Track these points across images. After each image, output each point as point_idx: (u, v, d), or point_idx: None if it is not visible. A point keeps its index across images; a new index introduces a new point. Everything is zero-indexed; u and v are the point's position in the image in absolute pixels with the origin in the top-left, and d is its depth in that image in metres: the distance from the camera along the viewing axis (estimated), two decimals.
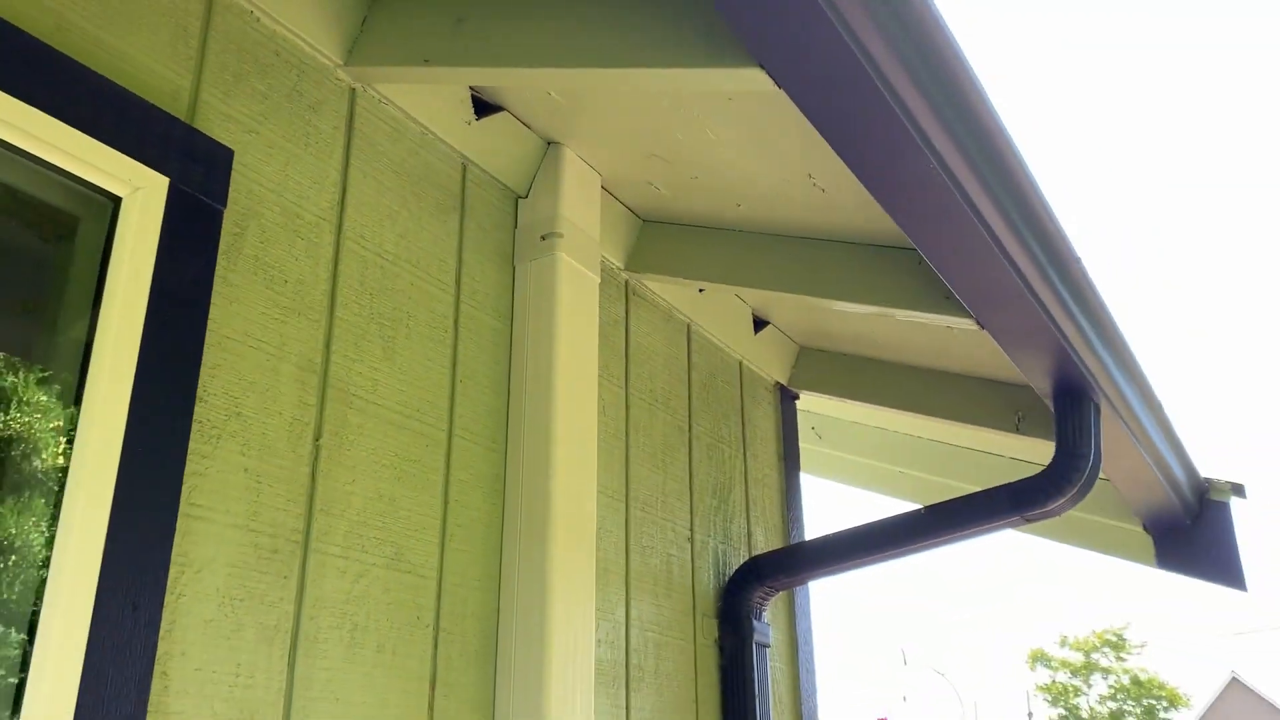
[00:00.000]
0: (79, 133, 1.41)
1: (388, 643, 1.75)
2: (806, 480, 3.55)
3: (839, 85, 1.41)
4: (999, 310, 2.11)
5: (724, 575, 2.77)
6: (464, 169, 2.19)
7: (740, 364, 3.12)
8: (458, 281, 2.11)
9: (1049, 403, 2.49)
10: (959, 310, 2.18)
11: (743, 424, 3.07)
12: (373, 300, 1.89)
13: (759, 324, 3.16)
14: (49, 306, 1.46)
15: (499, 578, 2.01)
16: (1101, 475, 2.64)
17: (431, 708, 1.80)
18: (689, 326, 2.89)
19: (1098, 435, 2.45)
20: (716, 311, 2.99)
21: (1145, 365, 2.54)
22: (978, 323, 2.18)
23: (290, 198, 1.76)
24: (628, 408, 2.55)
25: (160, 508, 1.41)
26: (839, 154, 1.61)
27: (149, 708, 1.36)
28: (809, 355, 3.34)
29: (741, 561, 2.84)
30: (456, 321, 2.08)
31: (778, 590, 2.78)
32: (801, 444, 3.48)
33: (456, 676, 1.87)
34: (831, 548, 2.72)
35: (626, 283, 2.65)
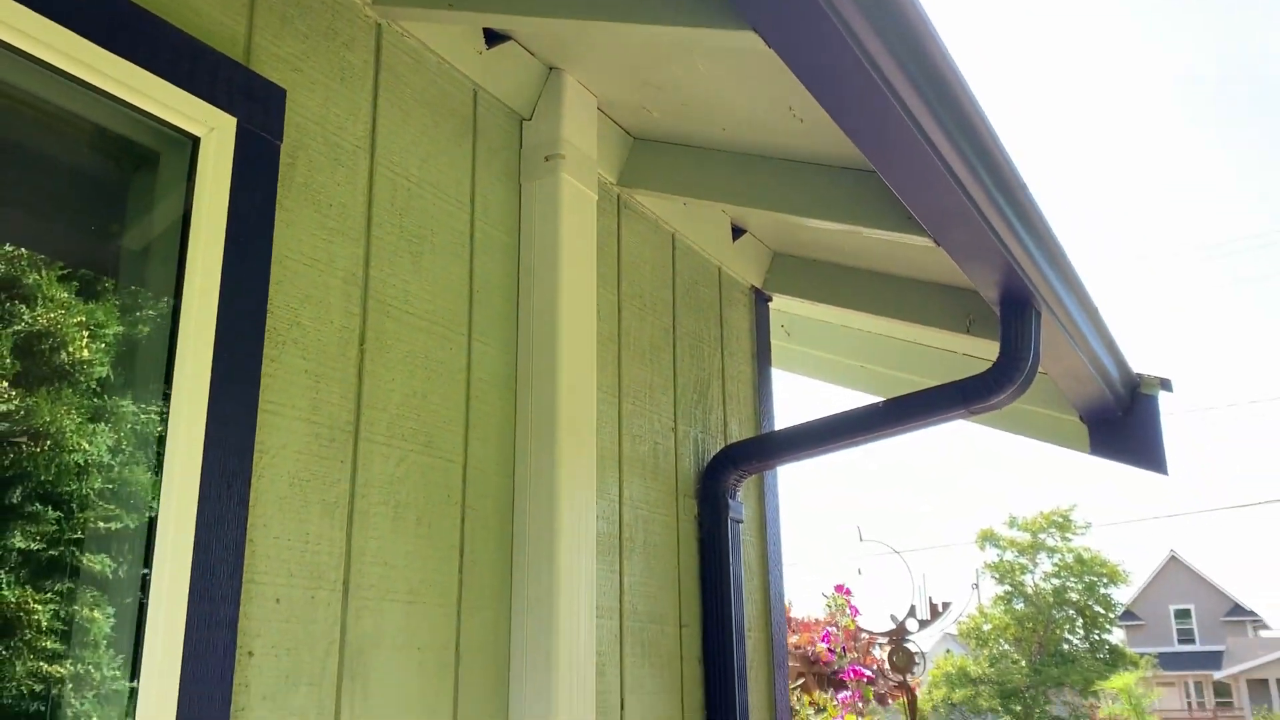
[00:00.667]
0: (164, 81, 1.62)
1: (425, 517, 2.05)
2: (776, 375, 3.86)
3: (819, 48, 1.64)
4: (952, 230, 2.38)
5: (703, 461, 3.10)
6: (475, 95, 2.40)
7: (719, 269, 3.39)
8: (472, 201, 2.34)
9: (996, 310, 2.79)
10: (918, 229, 2.45)
11: (721, 325, 3.36)
12: (402, 219, 2.13)
13: (736, 232, 3.41)
14: (142, 232, 1.69)
15: (514, 463, 2.31)
16: (1041, 371, 2.97)
17: (461, 571, 2.12)
18: (673, 236, 3.15)
19: (1038, 339, 2.76)
20: (698, 221, 3.24)
21: (1085, 278, 2.84)
22: (934, 240, 2.45)
23: (331, 129, 1.98)
24: (620, 312, 2.82)
25: (245, 404, 1.68)
26: (816, 99, 1.85)
27: (242, 574, 1.65)
28: (782, 260, 3.62)
29: (718, 449, 3.16)
30: (472, 237, 2.32)
31: (750, 474, 3.12)
32: (771, 341, 3.79)
33: (480, 547, 2.18)
34: (798, 436, 3.04)
35: (619, 196, 2.89)
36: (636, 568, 2.71)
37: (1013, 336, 2.74)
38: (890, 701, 6.02)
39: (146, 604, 1.50)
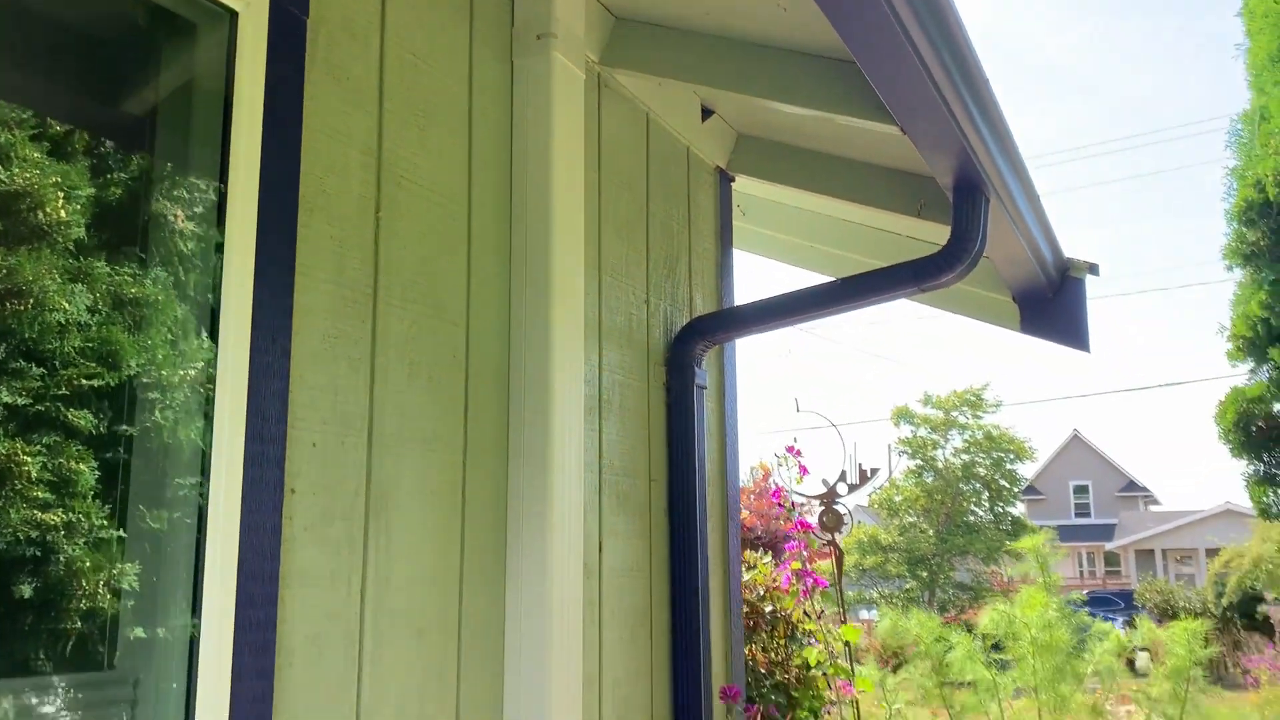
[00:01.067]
0: None
1: (434, 374, 2.23)
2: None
3: None
4: (919, 120, 2.56)
5: (672, 332, 3.31)
6: None
7: (688, 150, 3.53)
8: (470, 78, 2.45)
9: (949, 195, 3.00)
10: (888, 118, 2.62)
11: (689, 204, 3.52)
12: (409, 94, 2.23)
13: (705, 113, 3.55)
14: (184, 101, 1.79)
15: (509, 329, 2.49)
16: (985, 255, 3.22)
17: (466, 424, 2.31)
18: (648, 115, 3.27)
19: (985, 224, 2.99)
20: (670, 101, 3.36)
21: (1030, 169, 3.06)
22: (901, 129, 2.63)
23: (346, 5, 2.07)
24: (600, 189, 2.97)
25: (284, 266, 1.82)
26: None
27: (286, 419, 1.82)
28: (746, 142, 3.77)
29: (685, 321, 3.37)
30: (470, 113, 2.43)
31: (715, 344, 3.34)
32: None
33: (482, 403, 2.37)
34: (762, 311, 3.26)
35: (599, 75, 3.00)
36: (613, 428, 2.93)
37: (964, 220, 2.96)
38: (816, 559, 6.48)
39: (210, 450, 1.67)
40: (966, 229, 2.96)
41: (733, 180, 3.82)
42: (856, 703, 3.76)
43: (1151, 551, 44.43)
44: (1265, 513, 9.12)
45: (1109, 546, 46.38)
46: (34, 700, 1.56)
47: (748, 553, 6.18)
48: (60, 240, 1.61)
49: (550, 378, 2.45)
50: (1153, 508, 49.65)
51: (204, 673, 1.64)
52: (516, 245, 2.52)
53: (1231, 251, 9.20)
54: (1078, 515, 50.76)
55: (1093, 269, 4.10)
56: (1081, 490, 51.54)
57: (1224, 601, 20.27)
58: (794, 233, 4.56)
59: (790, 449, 3.77)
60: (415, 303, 2.19)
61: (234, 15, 1.78)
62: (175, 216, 1.74)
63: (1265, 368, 9.16)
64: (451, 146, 2.36)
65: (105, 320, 1.65)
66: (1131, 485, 50.98)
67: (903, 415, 33.09)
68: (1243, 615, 19.51)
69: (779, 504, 4.01)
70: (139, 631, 1.67)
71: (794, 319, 3.30)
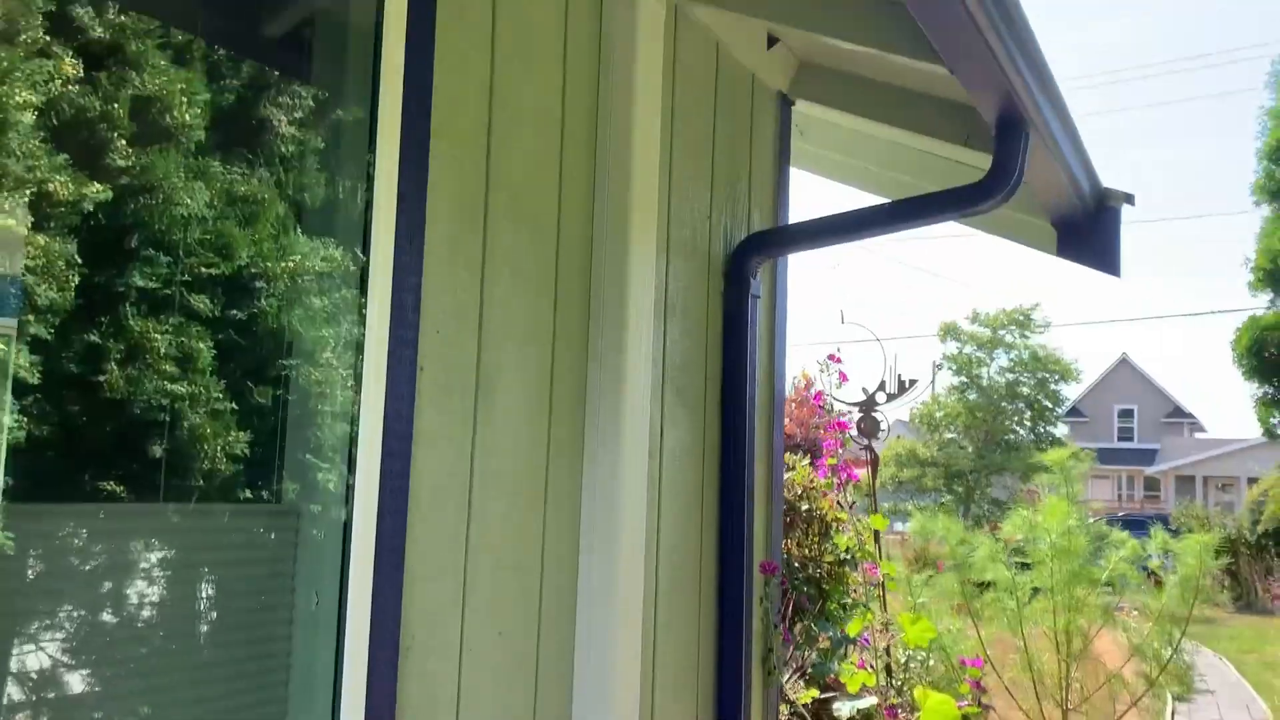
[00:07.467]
0: None
1: (531, 279, 2.61)
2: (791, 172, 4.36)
3: None
4: (965, 61, 2.84)
5: (730, 245, 3.65)
6: None
7: (753, 75, 3.82)
8: (565, 13, 2.76)
9: (991, 129, 3.28)
10: (937, 59, 2.90)
11: (751, 127, 3.83)
12: (516, 30, 2.56)
13: (771, 41, 3.82)
14: (343, 39, 2.15)
15: (592, 241, 2.85)
16: (1025, 183, 3.50)
17: (554, 322, 2.70)
18: (718, 44, 3.56)
19: (1025, 157, 3.27)
20: (739, 31, 3.64)
21: (1070, 105, 3.32)
22: (949, 70, 2.91)
23: None
24: (673, 114, 3.28)
25: (418, 182, 2.19)
26: None
27: (420, 310, 2.21)
28: (807, 69, 4.04)
29: (743, 236, 3.71)
30: (565, 46, 2.76)
31: (769, 258, 3.68)
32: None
33: (569, 303, 2.75)
34: (814, 229, 3.59)
35: (676, 8, 3.29)
36: (676, 329, 3.31)
37: (1005, 153, 3.24)
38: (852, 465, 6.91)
39: (365, 331, 2.08)
40: (1006, 161, 3.24)
41: (793, 104, 4.10)
42: (883, 584, 4.19)
43: (1192, 478, 44.40)
44: (1271, 433, 9.41)
45: (1149, 471, 46.41)
46: (231, 522, 2.00)
47: (787, 455, 6.61)
48: (282, 154, 2.00)
49: (627, 284, 2.82)
50: (1198, 435, 49.40)
51: (358, 510, 2.07)
52: (600, 165, 2.87)
53: (1260, 188, 9.28)
54: (1121, 439, 50.69)
55: (1129, 199, 4.34)
56: (1126, 414, 51.36)
57: (1259, 529, 20.50)
58: (848, 153, 4.83)
59: (832, 356, 4.13)
60: (517, 215, 2.56)
61: None
62: (343, 148, 2.11)
63: None
64: (549, 77, 2.69)
65: (281, 224, 2.04)
66: (1178, 411, 50.67)
67: (949, 331, 33.10)
68: (1277, 543, 19.74)
69: (820, 408, 4.39)
70: (320, 480, 2.11)
71: (844, 238, 3.62)
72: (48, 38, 3.29)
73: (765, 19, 3.25)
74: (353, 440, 2.09)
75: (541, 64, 2.66)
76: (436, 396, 2.29)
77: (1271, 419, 9.44)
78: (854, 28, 3.05)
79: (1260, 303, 9.46)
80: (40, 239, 3.26)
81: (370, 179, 2.11)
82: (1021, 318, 31.45)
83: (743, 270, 3.60)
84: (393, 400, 2.12)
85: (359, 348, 2.10)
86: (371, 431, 2.09)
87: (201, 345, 1.97)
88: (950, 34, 2.68)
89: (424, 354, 2.24)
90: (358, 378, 2.11)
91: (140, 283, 2.76)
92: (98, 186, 3.38)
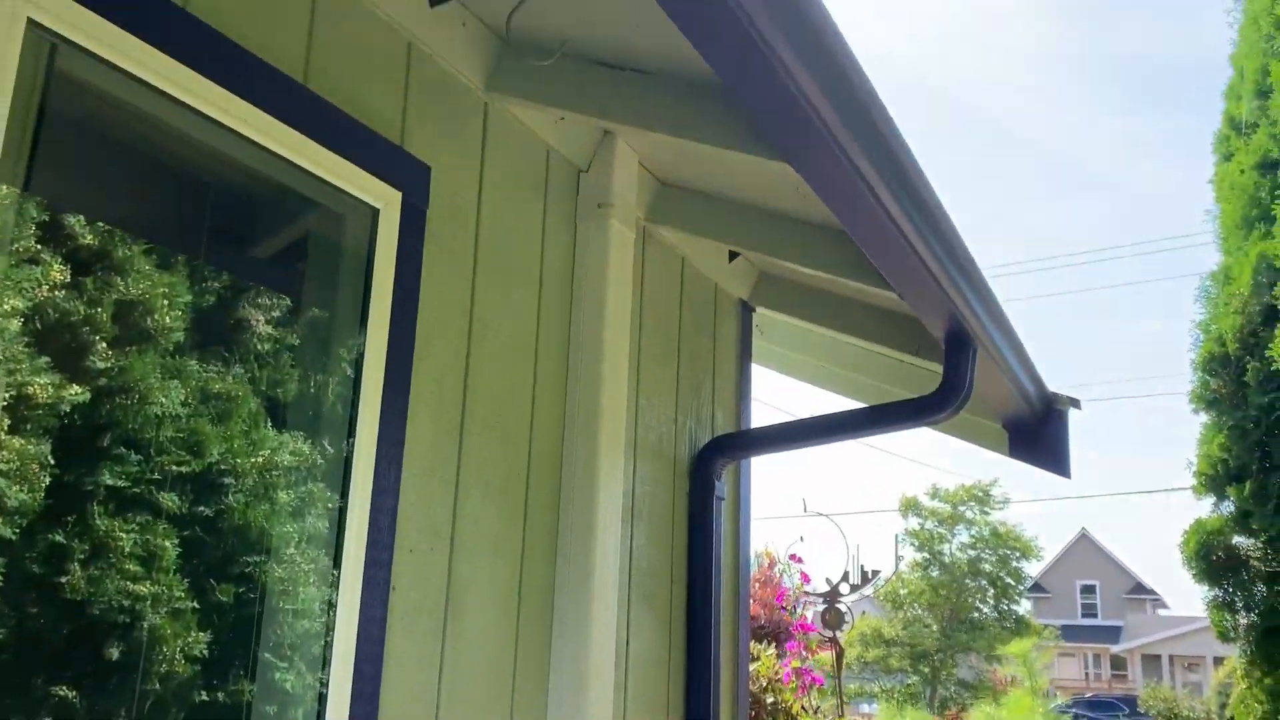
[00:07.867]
0: (356, 166, 2.21)
1: (503, 488, 2.68)
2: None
3: (836, 182, 2.29)
4: (913, 289, 3.04)
5: (695, 447, 3.76)
6: (548, 154, 3.00)
7: (716, 286, 4.03)
8: (542, 241, 2.95)
9: (941, 345, 3.47)
10: (887, 286, 3.11)
11: (715, 333, 4.01)
12: (495, 260, 2.73)
13: (732, 255, 4.05)
14: (335, 270, 2.29)
15: (561, 450, 2.95)
16: (975, 394, 3.68)
17: (524, 533, 2.76)
18: (683, 259, 3.78)
19: (973, 370, 3.46)
20: (703, 247, 3.87)
21: (1014, 322, 3.54)
22: (899, 296, 3.12)
23: (452, 192, 2.57)
24: (641, 325, 3.45)
25: (400, 408, 2.29)
26: (829, 208, 2.50)
27: (395, 530, 2.27)
28: (767, 279, 4.27)
29: (708, 438, 3.83)
30: (541, 270, 2.93)
31: (733, 460, 3.79)
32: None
33: (538, 513, 2.82)
34: (778, 434, 3.72)
35: (644, 229, 3.51)
36: (642, 534, 3.37)
37: (953, 368, 3.43)
38: (817, 651, 6.85)
39: (341, 554, 2.13)
40: (955, 376, 3.42)
41: (754, 310, 4.31)
42: None
43: (1158, 656, 43.94)
44: (1224, 635, 9.51)
45: (1115, 649, 45.91)
46: None
47: (752, 644, 6.56)
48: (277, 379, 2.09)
49: (596, 491, 2.90)
50: (1160, 611, 49.21)
51: (330, 713, 2.07)
52: (572, 378, 3.00)
53: (1196, 397, 9.76)
54: (1084, 615, 50.32)
55: (1074, 403, 4.55)
56: (1089, 590, 51.18)
57: (1227, 712, 20.21)
58: (807, 353, 5.04)
59: (793, 557, 4.20)
60: (491, 430, 2.66)
61: (376, 211, 2.28)
62: (328, 369, 2.22)
63: (1225, 503, 9.65)
64: (525, 299, 2.85)
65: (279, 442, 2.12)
66: (1139, 588, 50.59)
67: (910, 506, 33.21)
68: None
69: (782, 608, 4.41)
70: (283, 683, 2.11)
71: (804, 443, 3.76)
72: (39, 246, 3.43)
73: (723, 241, 3.48)
74: (325, 662, 2.10)
75: (518, 288, 2.82)
76: (407, 615, 2.31)
77: (1224, 621, 9.57)
78: (807, 254, 3.27)
79: (1204, 507, 9.87)
80: (15, 442, 3.30)
81: (352, 424, 2.21)
82: (980, 494, 31.72)
83: (707, 473, 3.70)
84: (365, 623, 2.15)
85: (337, 563, 2.15)
86: (344, 656, 2.10)
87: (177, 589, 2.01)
88: (897, 265, 2.89)
89: (397, 574, 2.29)
90: (331, 605, 2.14)
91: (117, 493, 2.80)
92: (76, 389, 3.45)
